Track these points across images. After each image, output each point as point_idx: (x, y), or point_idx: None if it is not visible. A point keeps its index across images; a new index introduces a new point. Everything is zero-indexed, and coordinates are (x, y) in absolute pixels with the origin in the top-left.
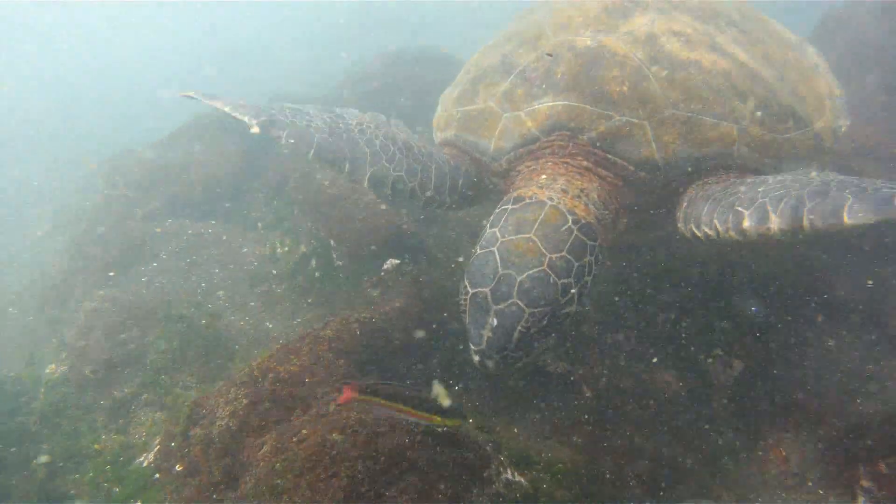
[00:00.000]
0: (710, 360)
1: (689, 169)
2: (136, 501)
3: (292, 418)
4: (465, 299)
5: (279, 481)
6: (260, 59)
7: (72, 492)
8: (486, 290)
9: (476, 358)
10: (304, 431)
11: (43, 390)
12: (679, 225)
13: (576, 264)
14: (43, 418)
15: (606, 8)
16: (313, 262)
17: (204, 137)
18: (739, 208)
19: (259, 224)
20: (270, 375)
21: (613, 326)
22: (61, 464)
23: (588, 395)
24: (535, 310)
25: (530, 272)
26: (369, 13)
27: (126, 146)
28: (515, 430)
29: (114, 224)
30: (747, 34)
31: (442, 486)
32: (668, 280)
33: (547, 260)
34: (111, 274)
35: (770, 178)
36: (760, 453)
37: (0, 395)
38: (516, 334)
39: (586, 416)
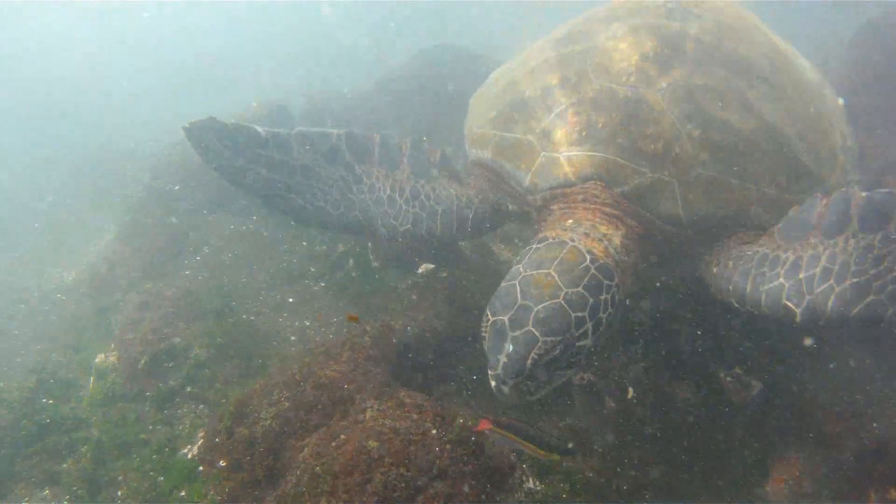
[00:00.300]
0: (728, 379)
1: (709, 225)
2: (181, 492)
3: (331, 423)
4: (486, 327)
5: (318, 484)
6: (294, 58)
7: (119, 478)
8: (505, 318)
9: (493, 383)
10: (343, 437)
11: (92, 379)
12: (712, 290)
13: (591, 300)
14: (92, 406)
15: (647, 55)
16: (350, 262)
17: None
18: (789, 303)
19: None
20: (311, 380)
21: (637, 340)
22: (109, 450)
23: (610, 406)
24: (548, 339)
25: (546, 304)
26: (400, 11)
27: (174, 139)
28: None
29: (160, 217)
30: (775, 88)
31: (468, 493)
32: (691, 298)
33: (563, 294)
34: (157, 266)
35: (805, 255)
36: (774, 472)
37: (52, 382)
38: (529, 361)
39: (607, 427)
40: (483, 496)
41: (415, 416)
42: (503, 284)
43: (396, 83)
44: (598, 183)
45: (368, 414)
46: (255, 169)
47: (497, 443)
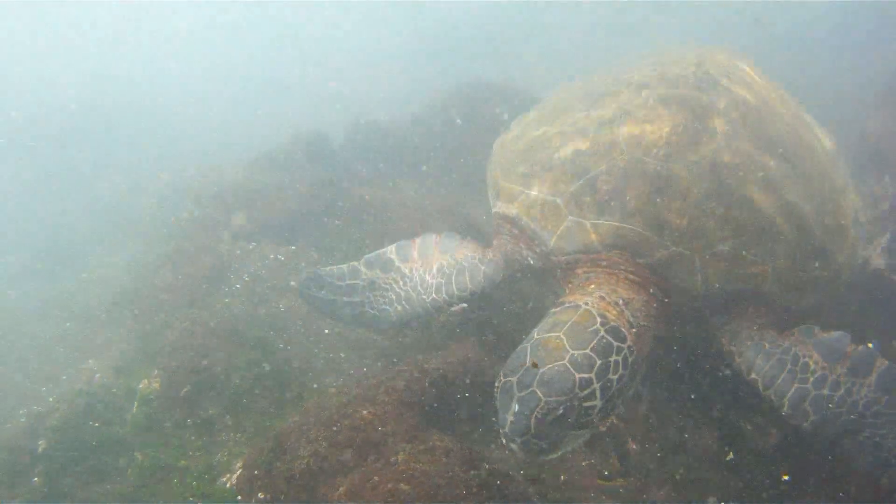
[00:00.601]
0: (749, 427)
1: (726, 298)
2: None
3: (365, 464)
4: (498, 387)
5: None
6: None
7: (160, 502)
8: (514, 379)
9: (503, 441)
10: (376, 478)
11: (136, 404)
12: (737, 361)
13: (598, 362)
14: (136, 430)
15: (677, 128)
16: None
17: (290, 163)
18: (808, 408)
19: (335, 253)
20: (348, 422)
21: (661, 386)
22: (152, 474)
23: (633, 448)
24: (551, 399)
25: (551, 365)
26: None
27: (215, 164)
28: (562, 478)
29: (202, 244)
30: (795, 165)
31: None
32: (714, 346)
33: (569, 356)
34: (198, 293)
35: (830, 377)
36: None
37: (99, 405)
38: (533, 420)
39: (630, 469)
40: None
41: (444, 460)
42: (518, 348)
43: (432, 116)
44: (623, 252)
45: (401, 457)
46: (342, 299)
47: None
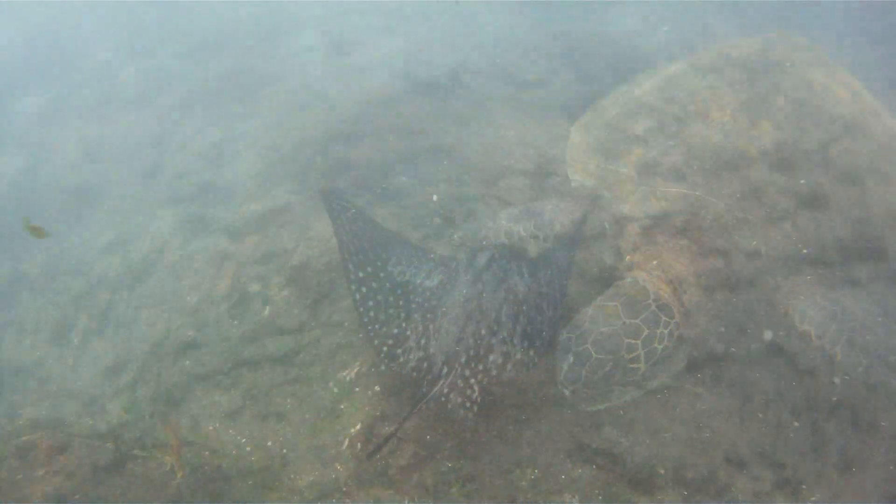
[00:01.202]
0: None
1: (787, 263)
2: (342, 405)
3: (461, 366)
4: (560, 341)
5: None
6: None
7: (290, 389)
8: (573, 336)
9: (559, 386)
10: (467, 373)
11: (267, 308)
12: (793, 320)
13: (646, 331)
14: (268, 330)
15: (741, 103)
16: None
17: (396, 103)
18: (859, 353)
19: (435, 182)
20: None
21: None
22: (282, 365)
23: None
24: (600, 356)
25: (604, 328)
26: None
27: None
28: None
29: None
30: (855, 142)
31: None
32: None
33: (621, 323)
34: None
35: (868, 324)
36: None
37: (238, 308)
38: (584, 372)
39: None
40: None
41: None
42: (582, 311)
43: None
44: (689, 218)
45: (491, 361)
46: None
47: None
